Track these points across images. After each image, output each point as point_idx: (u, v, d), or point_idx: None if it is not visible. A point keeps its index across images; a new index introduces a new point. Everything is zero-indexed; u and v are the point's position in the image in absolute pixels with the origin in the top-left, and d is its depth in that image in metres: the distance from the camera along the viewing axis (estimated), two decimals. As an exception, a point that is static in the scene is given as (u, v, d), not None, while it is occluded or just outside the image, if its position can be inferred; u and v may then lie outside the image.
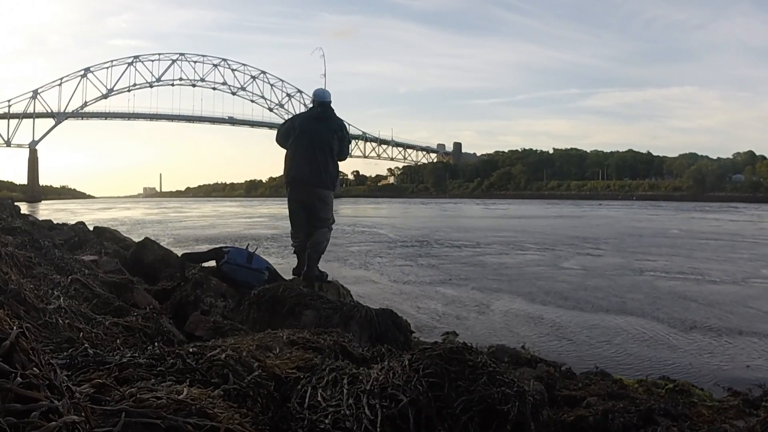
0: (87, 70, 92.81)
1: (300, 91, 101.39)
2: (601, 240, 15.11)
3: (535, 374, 3.11)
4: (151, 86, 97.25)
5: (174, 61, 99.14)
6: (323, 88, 4.69)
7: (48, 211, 31.38)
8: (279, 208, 40.13)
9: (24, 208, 14.28)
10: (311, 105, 4.70)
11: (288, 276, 4.60)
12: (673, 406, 2.46)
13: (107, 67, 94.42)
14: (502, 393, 1.45)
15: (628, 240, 15.19)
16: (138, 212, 35.18)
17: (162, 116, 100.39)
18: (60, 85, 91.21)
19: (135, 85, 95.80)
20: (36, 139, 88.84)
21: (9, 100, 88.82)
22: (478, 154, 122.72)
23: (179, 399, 1.13)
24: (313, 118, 4.52)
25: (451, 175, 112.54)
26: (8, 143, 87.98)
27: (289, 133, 4.52)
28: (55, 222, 8.68)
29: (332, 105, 4.62)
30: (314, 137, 4.42)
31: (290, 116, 5.20)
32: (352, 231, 15.91)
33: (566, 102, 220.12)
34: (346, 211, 36.04)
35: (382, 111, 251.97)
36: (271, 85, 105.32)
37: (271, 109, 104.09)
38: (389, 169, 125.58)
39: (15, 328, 0.90)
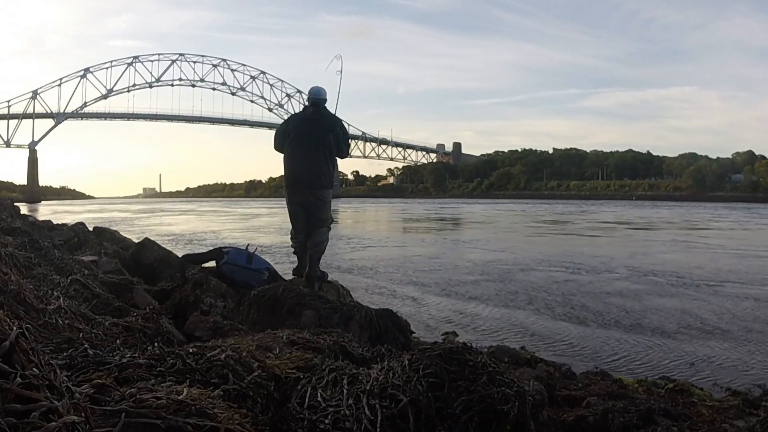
0: (86, 70, 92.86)
1: (299, 91, 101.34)
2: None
3: (535, 374, 3.11)
4: (150, 86, 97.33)
5: (173, 62, 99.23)
6: (318, 86, 4.61)
7: (48, 211, 32.16)
8: (261, 207, 44.81)
9: (24, 208, 14.41)
10: (306, 104, 4.68)
11: (288, 276, 4.60)
12: (673, 406, 2.46)
13: (107, 68, 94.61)
14: (502, 393, 1.45)
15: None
16: (126, 213, 36.34)
17: (162, 116, 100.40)
18: (60, 85, 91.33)
19: (135, 85, 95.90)
20: (36, 139, 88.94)
21: (9, 101, 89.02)
22: (478, 154, 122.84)
23: (179, 399, 1.13)
24: (306, 120, 4.51)
25: (450, 175, 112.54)
26: (8, 144, 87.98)
27: (285, 137, 4.53)
28: (53, 222, 8.68)
29: (329, 103, 4.59)
30: (308, 139, 4.41)
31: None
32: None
33: (566, 102, 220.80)
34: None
35: (381, 111, 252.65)
36: (271, 85, 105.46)
37: (270, 110, 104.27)
38: (389, 169, 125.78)
39: (15, 328, 0.90)
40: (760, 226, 23.01)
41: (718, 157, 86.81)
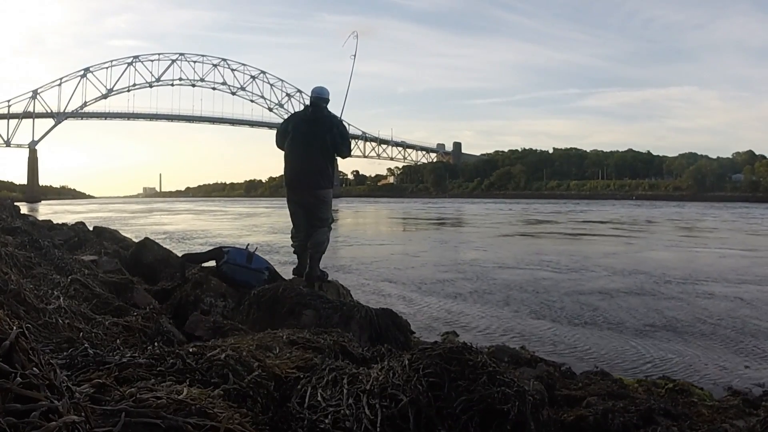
0: (87, 70, 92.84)
1: (300, 91, 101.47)
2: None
3: (535, 374, 3.10)
4: (150, 86, 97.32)
5: (173, 61, 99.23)
6: (322, 86, 4.60)
7: (48, 211, 32.37)
8: (259, 207, 45.94)
9: (24, 208, 14.50)
10: (307, 103, 4.68)
11: (288, 276, 4.60)
12: (673, 406, 2.46)
13: (107, 67, 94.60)
14: (502, 393, 1.45)
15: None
16: (124, 213, 36.66)
17: (162, 116, 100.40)
18: (60, 85, 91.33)
19: (135, 85, 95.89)
20: (36, 139, 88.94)
21: (9, 100, 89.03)
22: (478, 153, 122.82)
23: (179, 399, 1.13)
24: (305, 120, 4.50)
25: (450, 174, 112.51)
26: (8, 143, 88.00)
27: (285, 136, 4.53)
28: (54, 222, 8.68)
29: (331, 103, 4.58)
30: (307, 139, 4.41)
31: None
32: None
33: (566, 102, 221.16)
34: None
35: (381, 111, 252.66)
36: (271, 84, 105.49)
37: (270, 109, 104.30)
38: (389, 169, 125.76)
39: (15, 328, 0.90)
40: (742, 224, 23.24)
41: (718, 157, 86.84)
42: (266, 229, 19.30)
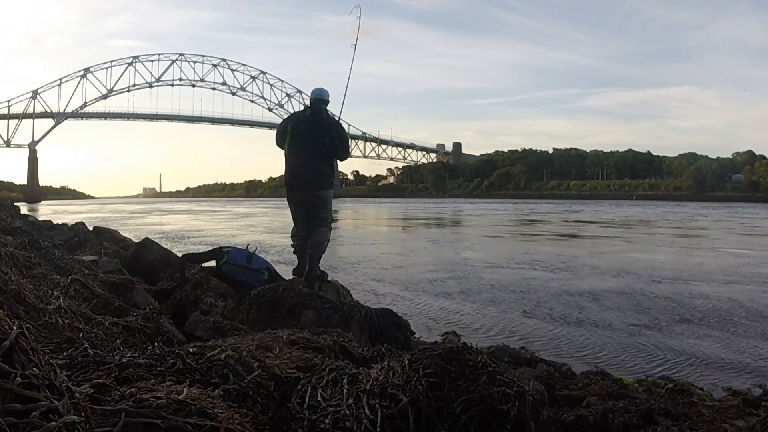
0: (86, 70, 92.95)
1: (300, 91, 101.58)
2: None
3: (535, 374, 3.11)
4: (150, 86, 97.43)
5: (173, 62, 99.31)
6: (322, 87, 4.60)
7: (48, 211, 32.48)
8: (258, 207, 46.64)
9: (24, 208, 14.52)
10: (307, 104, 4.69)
11: (288, 276, 4.60)
12: (673, 406, 2.46)
13: (107, 68, 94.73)
14: (502, 393, 1.45)
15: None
16: (123, 213, 36.84)
17: (161, 116, 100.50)
18: (59, 85, 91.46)
19: (134, 85, 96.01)
20: (36, 139, 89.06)
21: (9, 101, 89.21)
22: (478, 154, 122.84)
23: (179, 399, 1.13)
24: (304, 122, 4.51)
25: (450, 175, 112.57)
26: (8, 143, 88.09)
27: (284, 135, 4.55)
28: (53, 222, 8.67)
29: (330, 103, 4.58)
30: (306, 140, 4.42)
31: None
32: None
33: (565, 102, 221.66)
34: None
35: (381, 111, 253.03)
36: (271, 85, 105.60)
37: (270, 109, 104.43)
38: (389, 169, 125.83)
39: (15, 328, 0.90)
40: (736, 224, 23.30)
41: (718, 157, 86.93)
42: (262, 229, 19.44)
